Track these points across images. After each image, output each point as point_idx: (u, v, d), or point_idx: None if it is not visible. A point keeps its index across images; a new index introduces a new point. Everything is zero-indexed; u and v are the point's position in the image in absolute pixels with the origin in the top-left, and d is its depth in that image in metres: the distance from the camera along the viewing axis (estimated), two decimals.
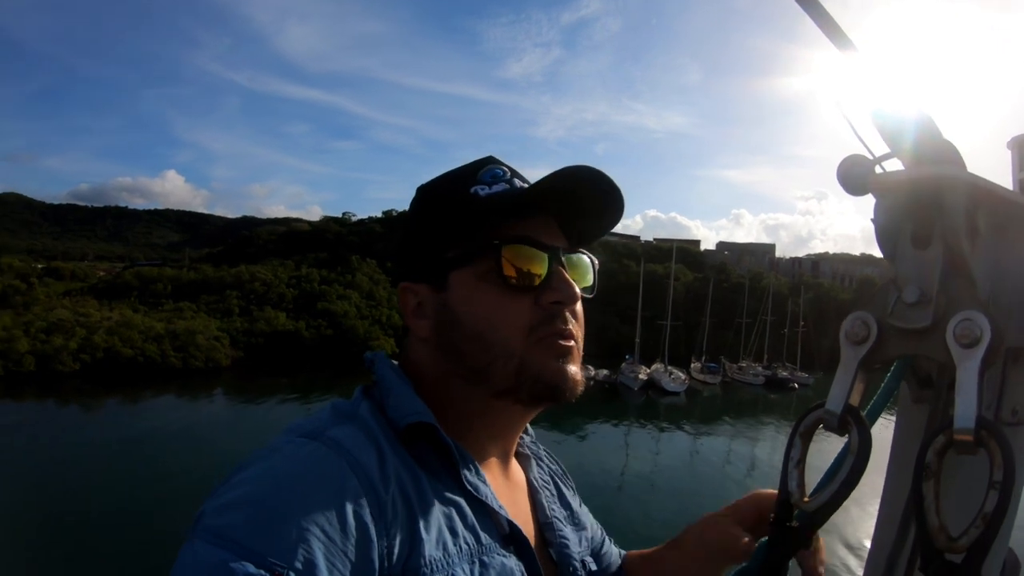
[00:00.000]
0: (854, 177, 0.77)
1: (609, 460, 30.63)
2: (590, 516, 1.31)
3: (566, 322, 1.01)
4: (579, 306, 1.05)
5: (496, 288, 0.98)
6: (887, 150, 0.76)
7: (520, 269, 0.98)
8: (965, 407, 0.66)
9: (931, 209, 0.73)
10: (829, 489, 0.75)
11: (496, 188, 1.04)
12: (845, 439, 0.79)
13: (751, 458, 34.27)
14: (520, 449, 1.20)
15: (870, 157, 0.77)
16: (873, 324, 0.76)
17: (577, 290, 1.02)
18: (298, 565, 0.70)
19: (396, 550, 0.80)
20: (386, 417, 0.94)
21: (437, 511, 0.88)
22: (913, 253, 0.75)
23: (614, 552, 1.33)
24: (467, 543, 0.89)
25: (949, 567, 0.66)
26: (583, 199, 1.05)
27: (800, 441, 0.80)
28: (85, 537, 19.55)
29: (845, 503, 0.76)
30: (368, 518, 0.78)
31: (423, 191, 1.13)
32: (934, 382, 0.83)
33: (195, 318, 61.72)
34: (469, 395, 1.01)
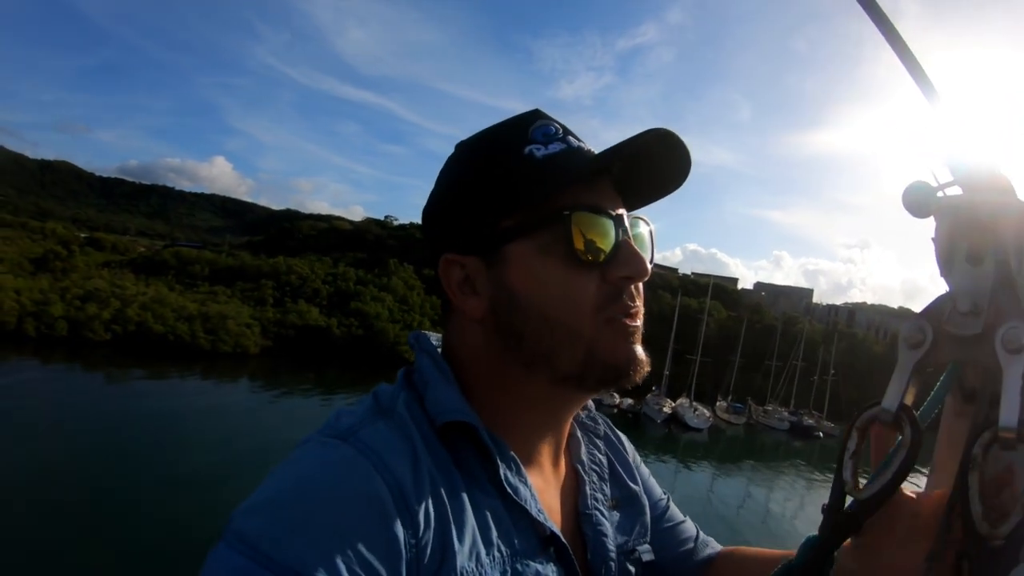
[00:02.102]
0: (918, 200, 0.82)
1: None
2: (656, 490, 1.29)
3: (634, 299, 0.93)
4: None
5: (562, 263, 0.89)
6: (951, 178, 0.81)
7: (589, 241, 0.89)
8: (1010, 407, 0.70)
9: (986, 231, 0.78)
10: (881, 479, 0.78)
11: (553, 148, 0.94)
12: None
13: (767, 504, 33.90)
14: (571, 431, 1.12)
15: (934, 184, 0.82)
16: (929, 330, 0.80)
17: (647, 262, 0.94)
18: None
19: (426, 561, 0.76)
20: (425, 412, 0.89)
21: (471, 517, 0.82)
22: (968, 269, 0.79)
23: (688, 534, 1.29)
24: (500, 552, 0.84)
25: (991, 551, 0.70)
26: (650, 162, 0.96)
27: (856, 434, 0.83)
28: (94, 505, 19.89)
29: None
30: (397, 528, 0.74)
31: (469, 148, 1.01)
32: (977, 396, 0.86)
33: (228, 303, 62.17)
34: (525, 382, 0.93)
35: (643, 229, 0.99)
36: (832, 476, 0.80)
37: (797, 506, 34.34)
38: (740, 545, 1.31)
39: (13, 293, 49.72)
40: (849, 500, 0.82)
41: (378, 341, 63.89)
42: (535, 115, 0.98)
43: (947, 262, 0.83)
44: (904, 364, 0.82)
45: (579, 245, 0.88)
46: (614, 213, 0.92)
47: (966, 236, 0.81)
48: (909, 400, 0.81)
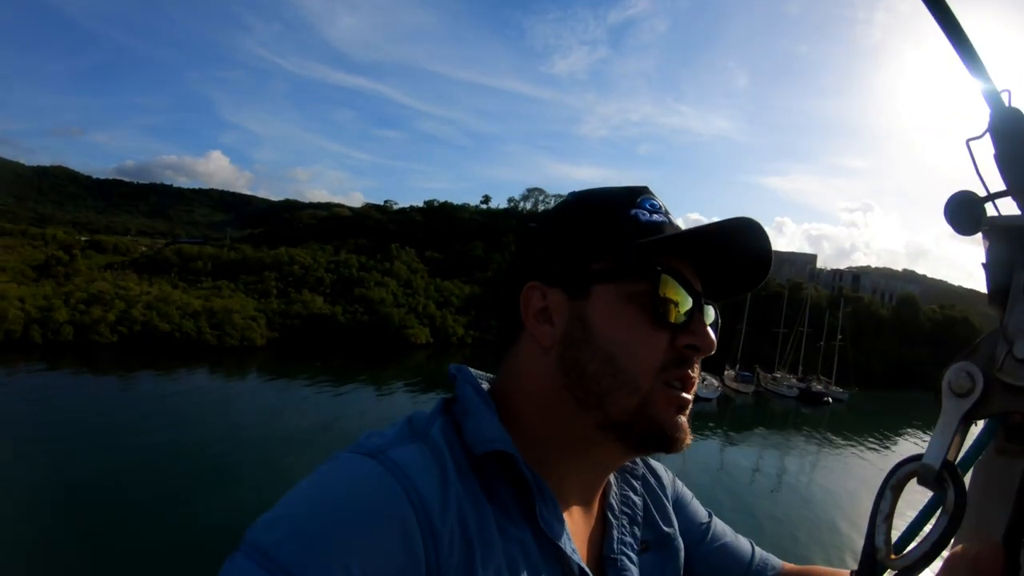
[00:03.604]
0: (965, 215, 0.72)
1: None
2: (699, 513, 1.28)
3: (694, 369, 0.95)
4: None
5: (641, 314, 0.92)
6: (1003, 187, 0.72)
7: (672, 303, 0.92)
8: None
9: None
10: (919, 548, 0.70)
11: (655, 218, 0.98)
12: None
13: (780, 471, 33.91)
14: None
15: (983, 193, 0.72)
16: (979, 377, 0.71)
17: (714, 339, 0.96)
18: None
19: None
20: (461, 440, 0.89)
21: (499, 549, 0.81)
22: None
23: (742, 553, 1.27)
24: None
25: None
26: (733, 255, 0.99)
27: (891, 494, 0.74)
28: (108, 506, 19.91)
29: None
30: (419, 550, 0.73)
31: (580, 197, 1.04)
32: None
33: (232, 297, 62.36)
34: (574, 419, 0.94)
35: (712, 314, 1.01)
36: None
37: (809, 473, 34.35)
38: (807, 565, 1.27)
39: (17, 301, 49.72)
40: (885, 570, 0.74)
41: (384, 326, 64.07)
42: (645, 189, 1.03)
43: (1001, 294, 0.73)
44: (949, 415, 0.73)
45: (662, 303, 0.91)
46: (697, 288, 0.96)
47: None
48: (953, 456, 0.72)
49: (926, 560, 0.70)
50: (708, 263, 1.00)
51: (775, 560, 1.28)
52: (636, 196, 1.01)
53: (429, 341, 67.20)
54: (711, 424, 43.40)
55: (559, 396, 0.94)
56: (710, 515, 1.30)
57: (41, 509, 19.05)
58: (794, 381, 63.39)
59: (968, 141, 0.73)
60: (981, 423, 0.79)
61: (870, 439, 43.05)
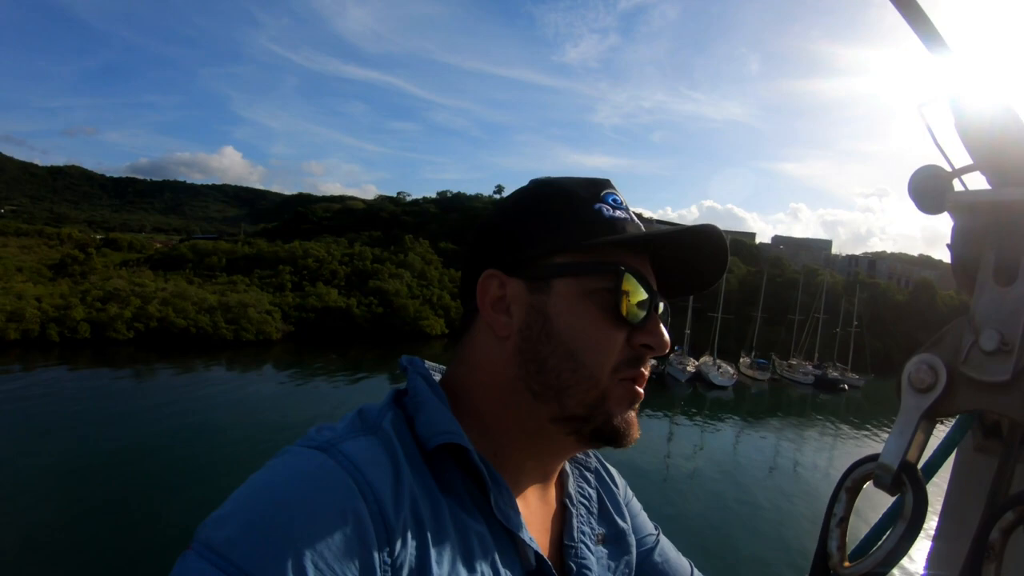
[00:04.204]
0: (929, 192, 0.68)
1: (653, 451, 30.48)
2: (648, 525, 1.26)
3: (647, 367, 0.96)
4: None
5: (602, 311, 0.92)
6: (969, 161, 0.68)
7: (629, 301, 0.92)
8: None
9: (1019, 238, 0.64)
10: (873, 557, 0.66)
11: (618, 214, 0.98)
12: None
13: (796, 459, 33.80)
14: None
15: (948, 169, 0.68)
16: (942, 371, 0.67)
17: (668, 341, 0.96)
18: None
19: None
20: (413, 432, 0.87)
21: (454, 541, 0.81)
22: (995, 290, 0.65)
23: (679, 568, 1.26)
24: None
25: None
26: (692, 257, 1.01)
27: (846, 496, 0.72)
28: (129, 503, 20.06)
29: None
30: (373, 545, 0.72)
31: (542, 186, 1.03)
32: (1003, 433, 0.74)
33: (248, 291, 62.31)
34: (528, 410, 0.93)
35: (665, 313, 1.01)
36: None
37: (827, 461, 34.18)
38: None
39: (34, 300, 50.03)
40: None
41: (399, 317, 64.09)
42: (608, 183, 1.03)
43: (967, 279, 0.69)
44: (908, 412, 0.69)
45: (623, 302, 0.92)
46: (654, 288, 0.96)
47: (993, 244, 0.66)
48: (913, 456, 0.68)
49: (880, 570, 0.66)
50: (666, 263, 1.01)
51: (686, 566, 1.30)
52: (600, 190, 1.00)
53: (444, 332, 66.72)
54: (728, 411, 43.31)
55: (513, 387, 0.93)
56: (657, 528, 1.29)
57: (55, 503, 19.26)
58: (810, 368, 63.00)
59: (921, 107, 0.69)
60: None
61: (887, 425, 42.21)
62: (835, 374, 61.46)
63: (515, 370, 0.93)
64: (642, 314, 0.94)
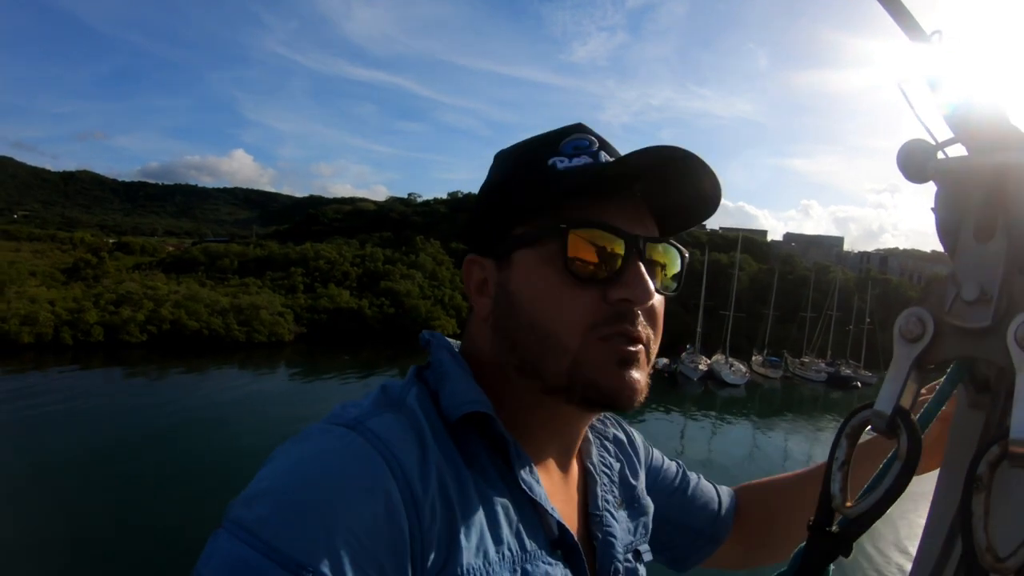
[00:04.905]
0: (914, 163, 0.72)
1: (665, 449, 30.16)
2: (671, 468, 1.34)
3: (634, 323, 0.88)
4: (657, 304, 0.92)
5: (559, 276, 0.87)
6: (951, 135, 0.71)
7: (586, 258, 0.86)
8: (1023, 417, 0.60)
9: (996, 200, 0.68)
10: (873, 495, 0.70)
11: (577, 161, 0.92)
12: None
13: (809, 457, 33.60)
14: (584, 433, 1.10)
15: (932, 142, 0.72)
16: (929, 321, 0.71)
17: (651, 288, 0.89)
18: (324, 569, 0.65)
19: (432, 556, 0.73)
20: (437, 406, 0.87)
21: (480, 514, 0.80)
22: (975, 247, 0.69)
23: (706, 491, 1.34)
24: (511, 550, 0.82)
25: None
26: (672, 183, 0.92)
27: (846, 442, 0.75)
28: (143, 503, 20.20)
29: (895, 507, 0.71)
30: (403, 521, 0.71)
31: (500, 158, 1.01)
32: (992, 387, 0.77)
33: (260, 293, 62.77)
34: (523, 387, 0.91)
35: (672, 252, 0.96)
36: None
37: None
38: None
39: (48, 304, 50.56)
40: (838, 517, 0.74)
41: (410, 318, 64.08)
42: (574, 128, 0.97)
43: (950, 238, 0.73)
44: (900, 360, 0.73)
45: (574, 260, 0.86)
46: (629, 232, 0.89)
47: (972, 206, 0.70)
48: (907, 402, 0.72)
49: (880, 507, 0.69)
50: (655, 197, 0.95)
51: (727, 489, 1.40)
52: (559, 140, 0.95)
53: (456, 332, 66.17)
54: (740, 410, 43.20)
55: (502, 365, 0.93)
56: (680, 466, 1.37)
57: (70, 503, 19.41)
58: (822, 365, 62.85)
59: (900, 84, 0.73)
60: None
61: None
62: (847, 371, 61.24)
63: (497, 349, 0.93)
64: (614, 266, 0.87)
